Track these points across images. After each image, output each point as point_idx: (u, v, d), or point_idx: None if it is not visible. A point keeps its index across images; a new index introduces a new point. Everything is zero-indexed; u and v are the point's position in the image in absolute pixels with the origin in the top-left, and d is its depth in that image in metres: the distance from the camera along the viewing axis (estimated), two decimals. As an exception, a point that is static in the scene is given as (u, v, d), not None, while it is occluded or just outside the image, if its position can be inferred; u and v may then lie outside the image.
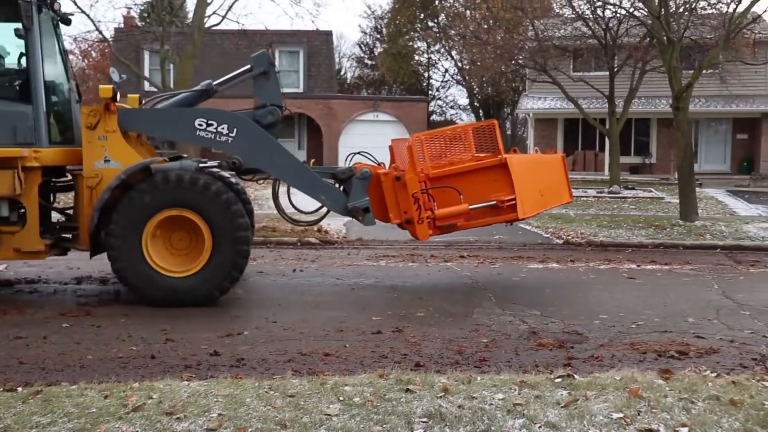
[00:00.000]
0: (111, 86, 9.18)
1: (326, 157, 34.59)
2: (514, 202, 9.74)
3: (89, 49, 38.57)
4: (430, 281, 10.83)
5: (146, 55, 35.48)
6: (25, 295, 9.73)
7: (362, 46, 55.52)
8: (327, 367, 6.42)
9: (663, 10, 20.60)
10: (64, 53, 10.14)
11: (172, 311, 8.68)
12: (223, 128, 9.24)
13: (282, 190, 10.07)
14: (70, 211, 9.97)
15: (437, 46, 48.85)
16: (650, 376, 5.76)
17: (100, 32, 27.29)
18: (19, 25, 8.88)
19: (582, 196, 23.14)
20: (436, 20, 48.08)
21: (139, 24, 35.98)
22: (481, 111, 47.90)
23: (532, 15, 25.94)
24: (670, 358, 6.82)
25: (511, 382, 5.50)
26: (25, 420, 4.76)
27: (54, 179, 9.64)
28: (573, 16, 26.17)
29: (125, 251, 8.81)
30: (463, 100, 52.77)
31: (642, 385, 5.44)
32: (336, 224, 15.70)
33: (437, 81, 52.79)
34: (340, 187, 9.85)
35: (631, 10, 24.11)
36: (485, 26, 29.60)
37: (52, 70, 9.49)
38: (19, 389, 5.43)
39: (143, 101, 10.11)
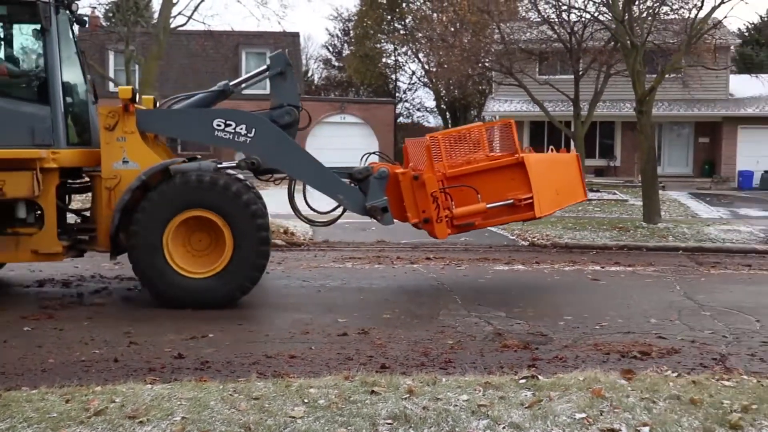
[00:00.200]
0: (130, 87, 9.18)
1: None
2: (531, 200, 9.84)
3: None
4: (397, 283, 10.84)
5: (111, 56, 35.12)
6: (-15, 298, 9.57)
7: (329, 47, 55.50)
8: (292, 369, 6.41)
9: (627, 14, 20.86)
10: (80, 54, 10.09)
11: (136, 314, 8.61)
12: (241, 129, 9.26)
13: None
14: (86, 213, 10.00)
15: (404, 49, 48.91)
16: (613, 376, 5.82)
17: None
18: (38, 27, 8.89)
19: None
20: (403, 23, 48.17)
21: (103, 24, 35.56)
22: (448, 113, 48.11)
23: (498, 18, 26.11)
24: (633, 358, 6.91)
25: (475, 384, 5.53)
26: (-17, 425, 4.68)
27: (70, 180, 9.62)
28: (539, 19, 26.40)
29: (146, 252, 8.80)
30: (430, 103, 53.02)
31: (605, 385, 5.50)
32: (302, 226, 15.65)
33: (404, 83, 52.88)
34: (356, 186, 9.86)
35: (595, 14, 24.38)
36: (452, 29, 29.75)
37: (69, 71, 9.44)
38: (-22, 394, 5.35)
39: (157, 102, 10.09)
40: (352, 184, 9.78)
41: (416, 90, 54.74)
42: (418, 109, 54.32)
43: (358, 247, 14.20)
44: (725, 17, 28.16)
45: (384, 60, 51.09)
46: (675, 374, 5.97)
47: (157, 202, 8.81)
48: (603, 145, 33.30)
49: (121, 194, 8.86)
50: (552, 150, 11.87)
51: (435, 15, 36.66)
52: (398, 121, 46.57)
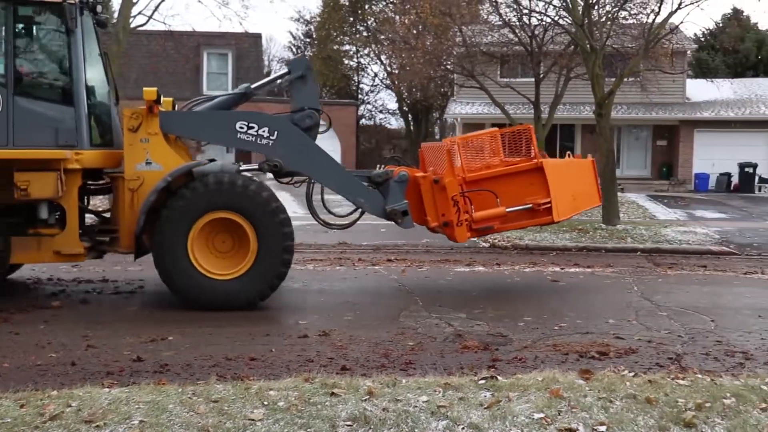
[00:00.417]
0: (155, 89, 9.17)
1: (255, 160, 34.30)
2: (549, 205, 9.96)
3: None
4: (358, 285, 10.84)
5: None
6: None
7: (292, 49, 55.31)
8: (252, 371, 6.38)
9: (586, 19, 21.13)
10: (103, 55, 10.00)
11: (95, 317, 8.50)
12: (264, 131, 9.32)
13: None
14: (105, 214, 10.02)
15: (367, 51, 48.96)
16: (571, 376, 5.89)
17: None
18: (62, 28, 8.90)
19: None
20: (365, 25, 48.19)
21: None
22: (410, 115, 48.21)
23: (460, 21, 26.23)
24: (591, 358, 7.00)
25: (435, 385, 5.56)
26: (-66, 431, 4.59)
27: (90, 182, 9.57)
28: (500, 23, 26.56)
29: (171, 254, 8.80)
30: (393, 105, 53.04)
31: (563, 385, 5.56)
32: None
33: (367, 85, 52.88)
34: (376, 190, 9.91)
35: (556, 18, 24.64)
36: (414, 31, 29.80)
37: (92, 72, 9.43)
38: (-71, 399, 5.23)
39: (175, 105, 10.04)
40: (370, 188, 9.89)
41: (378, 92, 54.94)
42: (381, 111, 54.37)
43: (320, 249, 14.17)
44: (681, 22, 28.63)
45: (346, 62, 51.07)
46: (632, 374, 6.06)
47: (183, 203, 8.85)
48: (563, 147, 33.58)
49: (144, 195, 8.90)
50: (569, 155, 12.04)
51: (397, 17, 36.67)
52: (360, 123, 46.59)
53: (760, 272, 12.39)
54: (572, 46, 25.20)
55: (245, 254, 9.01)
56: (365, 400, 5.18)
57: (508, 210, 9.94)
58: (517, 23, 25.63)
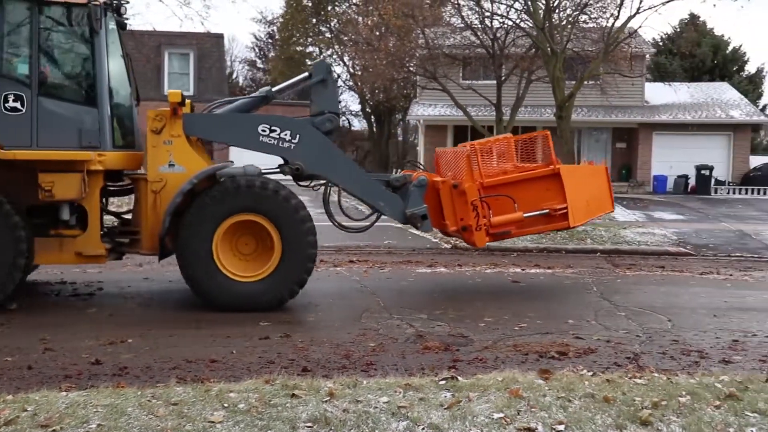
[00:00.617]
0: (179, 91, 9.18)
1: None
2: (565, 210, 10.09)
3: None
4: (319, 286, 10.81)
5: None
6: None
7: (255, 49, 55.03)
8: (213, 373, 6.34)
9: (547, 22, 21.37)
10: (126, 57, 9.92)
11: (53, 320, 8.37)
12: (285, 134, 9.41)
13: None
14: (125, 215, 10.05)
15: (329, 52, 48.87)
16: (531, 376, 5.95)
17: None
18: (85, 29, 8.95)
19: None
20: (328, 26, 48.12)
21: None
22: (373, 117, 48.23)
23: (422, 23, 26.35)
24: (551, 358, 7.07)
25: (396, 385, 5.57)
26: None
27: (110, 183, 9.53)
28: (462, 25, 26.74)
29: (196, 255, 8.82)
30: (355, 106, 53.04)
31: (523, 385, 5.61)
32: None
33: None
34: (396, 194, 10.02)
35: (517, 21, 24.89)
36: (377, 33, 29.85)
37: (115, 73, 9.39)
38: None
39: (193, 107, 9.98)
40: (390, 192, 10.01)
41: (341, 93, 54.73)
42: (343, 113, 54.31)
43: (282, 251, 14.09)
44: (640, 27, 29.06)
45: (309, 63, 50.91)
46: (590, 373, 6.13)
47: (208, 205, 8.86)
48: (525, 149, 33.92)
49: (167, 197, 8.93)
50: (585, 161, 12.15)
51: (360, 19, 36.70)
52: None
53: (715, 272, 12.63)
54: (533, 49, 25.47)
55: (268, 257, 9.05)
56: (326, 401, 5.17)
57: (525, 215, 10.08)
58: (479, 26, 25.85)
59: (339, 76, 50.63)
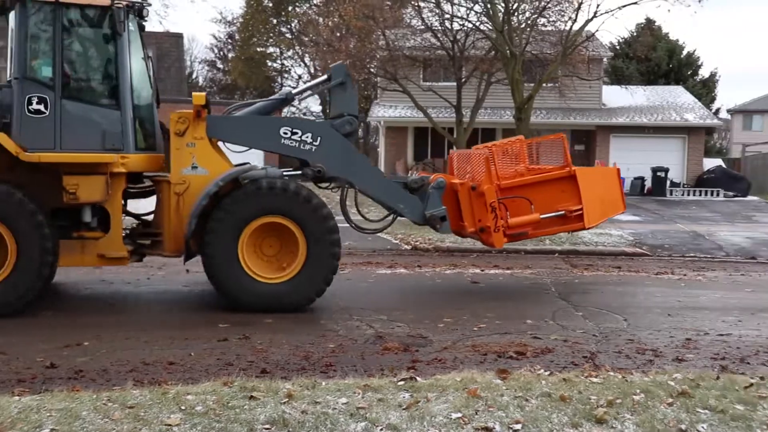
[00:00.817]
0: (204, 94, 9.17)
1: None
2: (581, 212, 10.25)
3: None
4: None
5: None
6: None
7: (214, 50, 54.61)
8: (171, 376, 6.28)
9: (506, 25, 21.55)
10: (147, 59, 9.82)
11: (6, 323, 8.20)
12: (307, 137, 9.47)
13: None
14: (146, 217, 10.06)
15: (290, 52, 48.74)
16: (489, 376, 6.00)
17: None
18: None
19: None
20: (289, 26, 47.96)
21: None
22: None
23: (383, 25, 26.39)
24: (509, 358, 7.13)
25: (355, 386, 5.58)
26: None
27: (130, 185, 9.55)
28: (422, 27, 26.85)
29: (222, 257, 8.84)
30: (316, 107, 52.92)
31: (481, 385, 5.66)
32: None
33: (291, 87, 52.67)
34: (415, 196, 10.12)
35: (477, 23, 25.07)
36: (338, 34, 29.83)
37: (137, 75, 9.37)
38: None
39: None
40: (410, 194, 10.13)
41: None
42: (305, 114, 54.18)
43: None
44: (597, 30, 29.47)
45: (270, 64, 50.72)
46: (548, 373, 6.21)
47: (235, 207, 8.87)
48: (484, 151, 34.14)
49: (190, 200, 8.98)
50: (599, 163, 12.29)
51: (321, 19, 36.65)
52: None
53: (670, 272, 12.86)
54: (493, 52, 25.66)
55: (292, 258, 9.09)
56: (284, 403, 5.16)
57: (541, 216, 10.25)
58: (440, 28, 25.96)
59: (299, 77, 50.60)
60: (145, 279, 11.08)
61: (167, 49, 37.93)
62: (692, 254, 15.38)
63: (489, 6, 23.51)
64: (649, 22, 42.93)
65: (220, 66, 54.47)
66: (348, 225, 10.32)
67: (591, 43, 26.78)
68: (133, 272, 11.50)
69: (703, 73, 49.07)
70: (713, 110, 45.78)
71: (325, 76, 10.23)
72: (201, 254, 9.09)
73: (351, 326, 8.38)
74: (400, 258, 13.97)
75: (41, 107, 8.56)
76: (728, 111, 61.29)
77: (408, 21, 29.49)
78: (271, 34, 49.09)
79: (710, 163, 33.43)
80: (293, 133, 9.48)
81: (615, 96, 34.44)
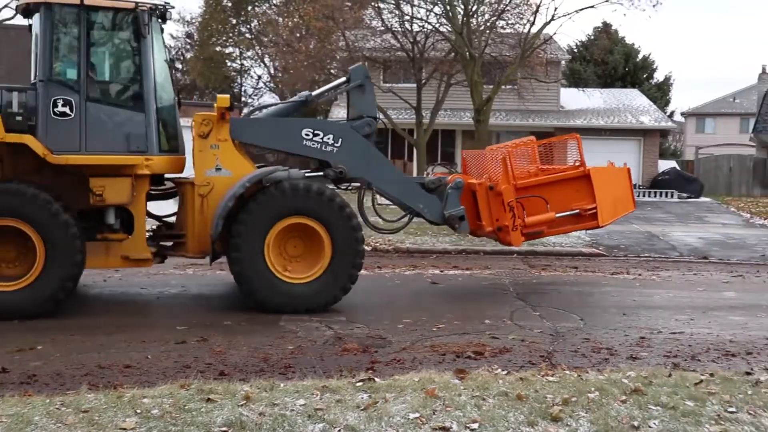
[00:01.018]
0: (228, 96, 9.21)
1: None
2: (595, 210, 10.45)
3: None
4: (238, 289, 10.69)
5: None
6: None
7: (173, 50, 54.00)
8: (127, 379, 6.21)
9: (466, 27, 21.68)
10: (169, 61, 9.78)
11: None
12: (328, 138, 9.60)
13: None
14: (167, 219, 10.09)
15: (250, 53, 48.43)
16: (447, 376, 6.03)
17: None
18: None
19: (390, 205, 23.74)
20: (248, 26, 47.66)
21: None
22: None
23: (343, 25, 26.38)
24: (467, 358, 7.18)
25: (313, 388, 5.58)
26: None
27: (152, 187, 9.58)
28: (382, 28, 26.90)
29: (249, 258, 8.88)
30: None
31: (439, 385, 5.69)
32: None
33: (250, 87, 52.33)
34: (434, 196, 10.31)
35: (437, 25, 25.19)
36: (297, 34, 29.76)
37: (160, 77, 9.35)
38: None
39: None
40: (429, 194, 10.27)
41: (262, 95, 54.33)
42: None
43: (200, 254, 13.88)
44: (555, 33, 29.75)
45: (229, 64, 50.33)
46: (505, 372, 6.26)
47: (261, 209, 8.93)
48: (444, 152, 34.31)
49: (214, 201, 9.07)
50: (611, 163, 12.43)
51: (280, 20, 36.53)
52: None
53: (625, 272, 13.05)
54: (452, 54, 25.80)
55: (316, 258, 9.17)
56: (242, 405, 5.13)
57: (557, 215, 10.41)
58: (399, 29, 26.03)
59: (260, 77, 50.32)
60: (102, 281, 10.94)
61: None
62: (647, 254, 15.63)
63: (448, 8, 23.64)
64: (606, 25, 43.56)
65: (179, 66, 53.92)
66: (365, 225, 10.41)
67: (549, 46, 27.09)
68: (89, 274, 11.32)
69: (658, 76, 49.99)
70: (668, 113, 46.60)
71: (343, 78, 10.38)
72: (227, 255, 9.18)
73: (310, 327, 8.37)
74: (359, 259, 13.93)
75: (66, 109, 8.60)
76: (682, 114, 62.42)
77: (368, 22, 29.53)
78: (231, 34, 48.71)
79: (665, 165, 34.00)
80: (315, 135, 9.61)
81: (573, 98, 34.86)
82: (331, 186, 9.64)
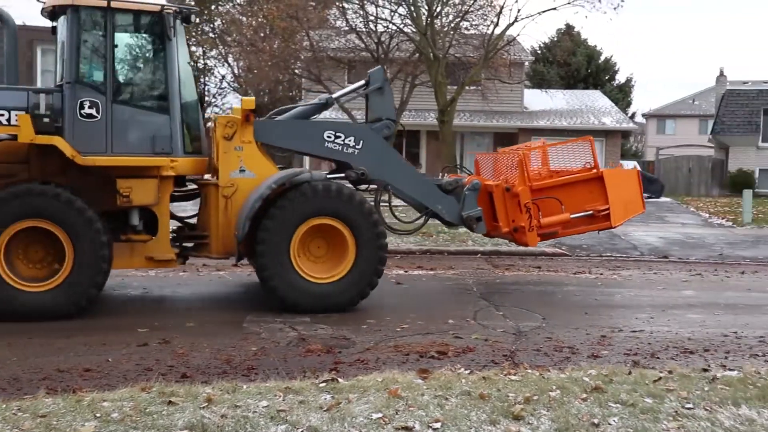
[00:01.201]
0: (253, 98, 9.22)
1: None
2: (608, 211, 10.61)
3: None
4: (201, 291, 10.65)
5: None
6: None
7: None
8: (86, 383, 6.13)
9: (429, 28, 21.75)
10: (192, 63, 9.57)
11: None
12: (350, 140, 9.70)
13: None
14: (189, 220, 10.15)
15: (214, 52, 48.04)
16: (410, 376, 6.05)
17: None
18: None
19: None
20: (212, 25, 47.29)
21: None
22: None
23: (307, 25, 26.33)
24: (431, 358, 7.20)
25: (276, 389, 5.55)
26: None
27: (175, 189, 9.61)
28: (347, 28, 26.90)
29: (275, 259, 8.94)
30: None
31: (402, 385, 5.70)
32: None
33: (214, 87, 51.92)
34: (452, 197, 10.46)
35: (401, 26, 25.25)
36: (261, 34, 29.61)
37: (184, 79, 9.39)
38: None
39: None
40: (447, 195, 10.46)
41: (226, 95, 53.93)
42: (228, 114, 53.50)
43: (163, 255, 13.75)
44: (518, 35, 29.99)
45: (192, 63, 49.91)
46: (468, 371, 6.29)
47: (287, 210, 8.97)
48: (409, 153, 34.38)
49: (238, 202, 9.14)
50: (617, 165, 12.51)
51: (244, 19, 36.29)
52: (207, 126, 45.60)
53: (587, 272, 13.20)
54: (417, 54, 25.87)
55: (339, 260, 9.26)
56: (204, 407, 5.09)
57: (571, 216, 10.56)
58: (364, 30, 26.05)
59: (223, 77, 49.94)
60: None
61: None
62: (609, 254, 15.83)
63: (412, 9, 23.71)
64: (569, 27, 44.02)
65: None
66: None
67: (512, 47, 27.29)
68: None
69: (620, 78, 50.72)
70: (629, 114, 47.22)
71: (362, 81, 10.43)
72: (251, 256, 9.26)
73: (274, 329, 8.33)
74: (324, 260, 13.91)
75: (93, 111, 8.66)
76: (643, 115, 63.34)
77: (333, 22, 29.50)
78: (194, 33, 48.32)
79: (626, 165, 34.41)
80: (336, 137, 9.70)
81: (536, 99, 35.18)
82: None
